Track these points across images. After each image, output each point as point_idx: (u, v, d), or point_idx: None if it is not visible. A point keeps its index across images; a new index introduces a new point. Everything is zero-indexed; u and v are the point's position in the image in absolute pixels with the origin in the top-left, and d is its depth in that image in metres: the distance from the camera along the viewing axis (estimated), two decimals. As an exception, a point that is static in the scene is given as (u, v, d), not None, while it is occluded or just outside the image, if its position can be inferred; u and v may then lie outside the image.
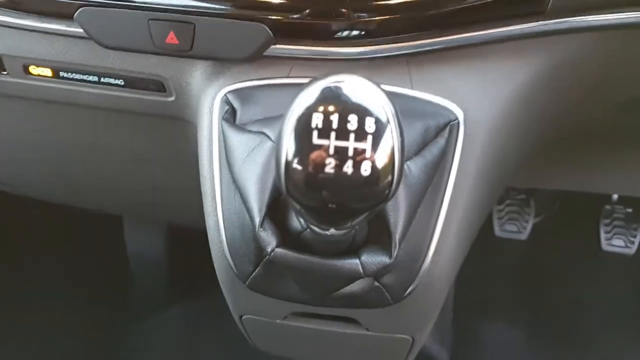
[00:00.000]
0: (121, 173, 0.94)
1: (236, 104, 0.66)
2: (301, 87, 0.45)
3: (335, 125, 0.42)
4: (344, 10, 0.62)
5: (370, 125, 0.43)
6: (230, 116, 0.65)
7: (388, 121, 0.43)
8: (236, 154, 0.61)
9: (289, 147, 0.44)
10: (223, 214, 0.65)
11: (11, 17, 0.70)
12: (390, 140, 0.43)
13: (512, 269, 1.66)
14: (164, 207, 1.09)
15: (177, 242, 1.56)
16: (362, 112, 0.43)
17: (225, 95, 0.67)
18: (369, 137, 0.43)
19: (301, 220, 0.55)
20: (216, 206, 0.66)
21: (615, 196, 1.57)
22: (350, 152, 0.42)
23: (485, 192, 0.71)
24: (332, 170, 0.43)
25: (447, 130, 0.64)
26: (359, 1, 0.62)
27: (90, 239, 1.54)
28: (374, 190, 0.44)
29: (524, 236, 1.62)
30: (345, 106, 0.43)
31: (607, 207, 1.60)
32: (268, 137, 0.60)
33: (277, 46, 0.64)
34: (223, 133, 0.64)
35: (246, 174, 0.59)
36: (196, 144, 0.71)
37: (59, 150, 0.91)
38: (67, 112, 0.81)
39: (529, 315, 1.58)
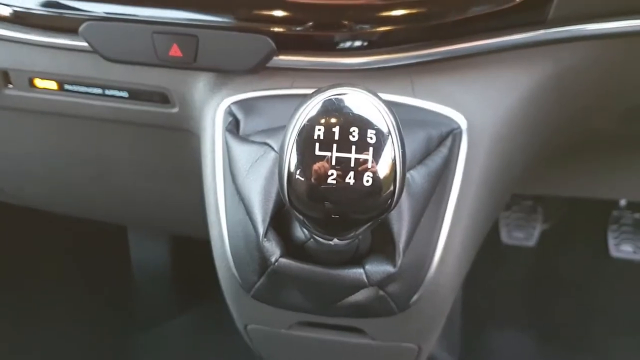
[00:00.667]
0: (125, 184, 0.95)
1: (240, 115, 0.67)
2: (303, 98, 0.45)
3: (336, 137, 0.43)
4: (345, 21, 0.63)
5: (371, 137, 0.43)
6: (233, 127, 0.66)
7: (389, 132, 0.44)
8: (240, 165, 0.61)
9: (291, 158, 0.44)
10: (227, 225, 0.65)
11: (16, 31, 0.71)
12: (391, 151, 0.44)
13: (519, 276, 1.65)
14: (168, 218, 1.10)
15: (180, 252, 1.56)
16: (363, 124, 0.43)
17: (228, 106, 0.67)
18: (370, 149, 0.43)
19: (304, 230, 0.55)
20: (220, 217, 0.66)
21: (623, 202, 1.56)
22: (352, 163, 0.43)
23: (489, 200, 0.71)
24: (334, 182, 0.43)
25: (449, 139, 0.64)
26: (360, 12, 0.63)
27: (94, 248, 1.55)
28: (376, 201, 0.44)
29: (531, 243, 1.61)
30: (347, 118, 0.43)
31: (615, 212, 1.59)
32: (272, 147, 0.60)
33: (280, 57, 0.65)
34: (226, 144, 0.64)
35: (250, 185, 0.59)
36: (199, 155, 0.71)
37: (63, 162, 0.92)
38: (71, 125, 0.82)
39: (537, 322, 1.57)
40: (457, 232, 0.66)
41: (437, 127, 0.65)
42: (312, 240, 0.54)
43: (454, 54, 0.65)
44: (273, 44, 0.63)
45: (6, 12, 0.70)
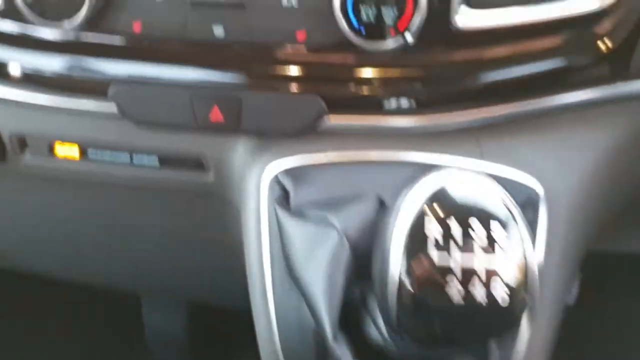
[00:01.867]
0: (149, 253, 0.87)
1: (288, 185, 0.60)
2: (403, 188, 0.37)
3: (456, 234, 0.35)
4: (399, 77, 0.58)
5: (496, 231, 0.35)
6: (283, 200, 0.59)
7: (515, 221, 0.35)
8: (296, 248, 0.54)
9: (401, 266, 0.36)
10: (276, 313, 0.58)
11: (35, 93, 0.64)
12: (520, 247, 0.35)
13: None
14: (192, 287, 1.01)
15: (199, 322, 1.47)
16: (485, 215, 0.35)
17: (275, 175, 0.60)
18: (498, 248, 0.35)
19: (382, 331, 0.47)
20: (267, 303, 0.58)
21: None
22: (480, 271, 0.34)
23: (570, 268, 0.64)
24: (462, 302, 0.34)
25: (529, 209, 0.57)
26: (415, 71, 0.58)
27: (106, 318, 1.46)
28: (510, 319, 0.36)
29: None
30: (464, 209, 0.35)
31: None
32: (334, 226, 0.53)
33: (330, 118, 0.59)
34: (278, 221, 0.57)
35: (311, 274, 0.52)
36: (236, 224, 0.64)
37: (83, 230, 0.84)
38: (95, 192, 0.74)
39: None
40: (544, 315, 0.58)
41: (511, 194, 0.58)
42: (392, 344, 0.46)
43: (516, 115, 0.59)
44: (323, 104, 0.58)
45: (19, 72, 0.63)
